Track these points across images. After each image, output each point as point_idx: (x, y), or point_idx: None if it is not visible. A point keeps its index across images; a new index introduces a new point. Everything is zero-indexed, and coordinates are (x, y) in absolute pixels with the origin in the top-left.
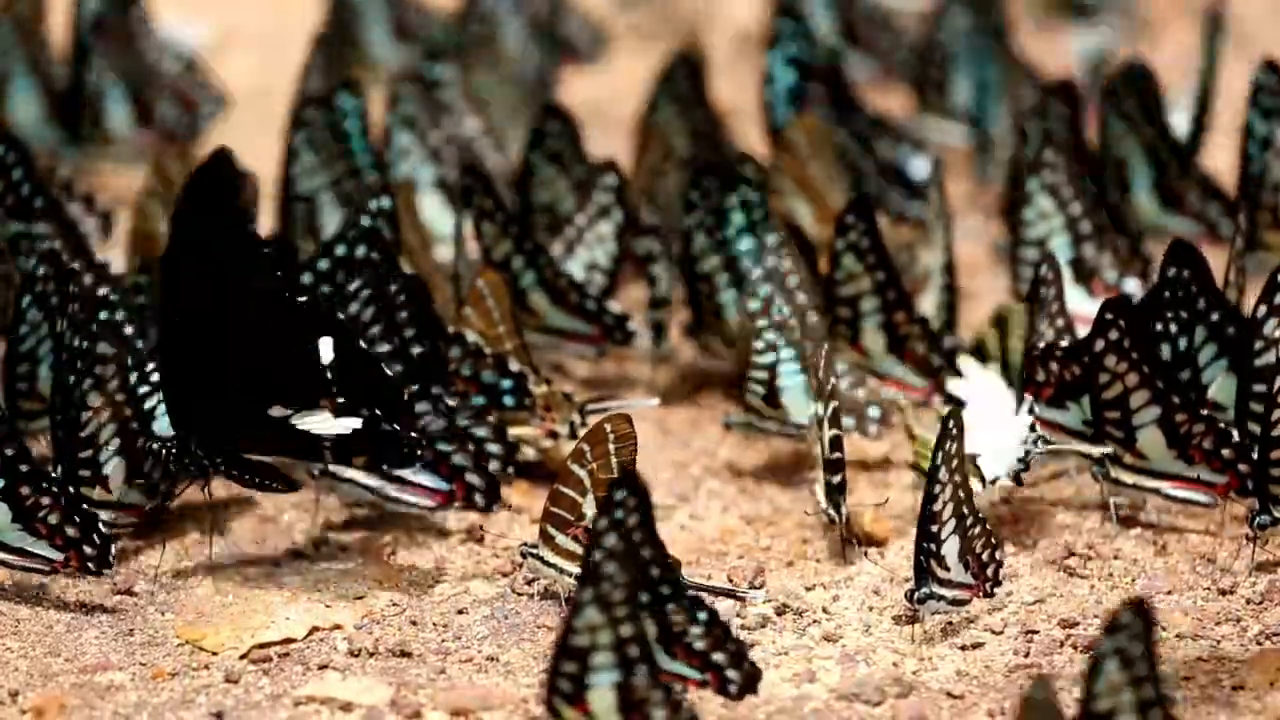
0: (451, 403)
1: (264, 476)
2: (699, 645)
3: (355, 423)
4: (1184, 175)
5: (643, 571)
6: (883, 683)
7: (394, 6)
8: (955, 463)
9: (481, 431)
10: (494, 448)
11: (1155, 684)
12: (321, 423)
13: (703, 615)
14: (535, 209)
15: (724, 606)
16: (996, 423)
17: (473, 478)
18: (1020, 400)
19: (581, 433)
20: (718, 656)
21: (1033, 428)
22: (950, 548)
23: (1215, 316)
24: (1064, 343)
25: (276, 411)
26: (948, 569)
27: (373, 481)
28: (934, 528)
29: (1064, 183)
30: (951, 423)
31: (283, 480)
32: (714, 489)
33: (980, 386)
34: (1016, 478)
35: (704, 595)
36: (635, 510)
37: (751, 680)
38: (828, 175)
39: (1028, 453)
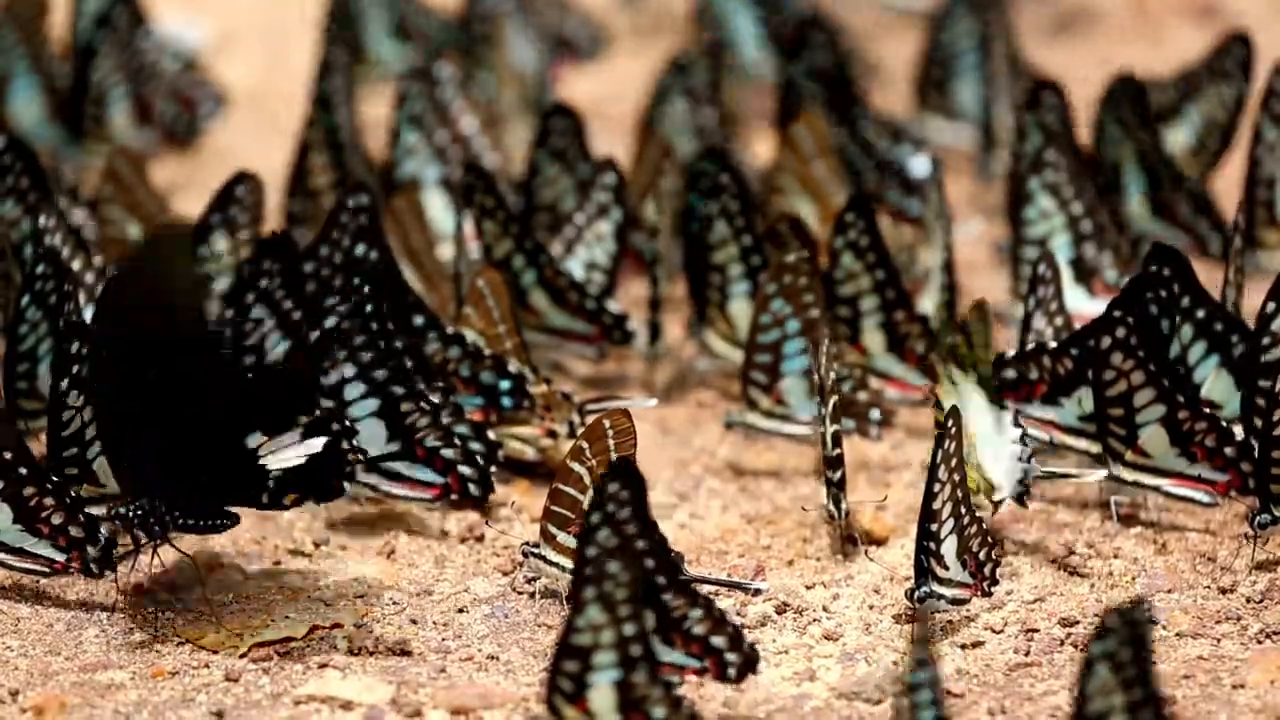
0: (435, 400)
1: (217, 518)
2: (697, 630)
3: (320, 442)
4: (1177, 187)
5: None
6: (883, 681)
7: (394, 6)
8: (954, 461)
9: (462, 430)
10: (475, 445)
11: (1147, 686)
12: (290, 446)
13: (698, 601)
14: (539, 207)
15: (724, 605)
16: (987, 434)
17: (465, 469)
18: (1000, 409)
19: (580, 432)
20: (716, 640)
21: (1023, 441)
22: (949, 547)
23: (1201, 314)
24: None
25: (254, 441)
26: (947, 568)
27: (371, 478)
28: (933, 526)
29: (1064, 182)
30: (950, 422)
31: (229, 516)
32: (714, 488)
33: (968, 396)
34: (1020, 499)
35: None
36: (629, 501)
37: (750, 662)
38: (831, 174)
39: (1026, 473)
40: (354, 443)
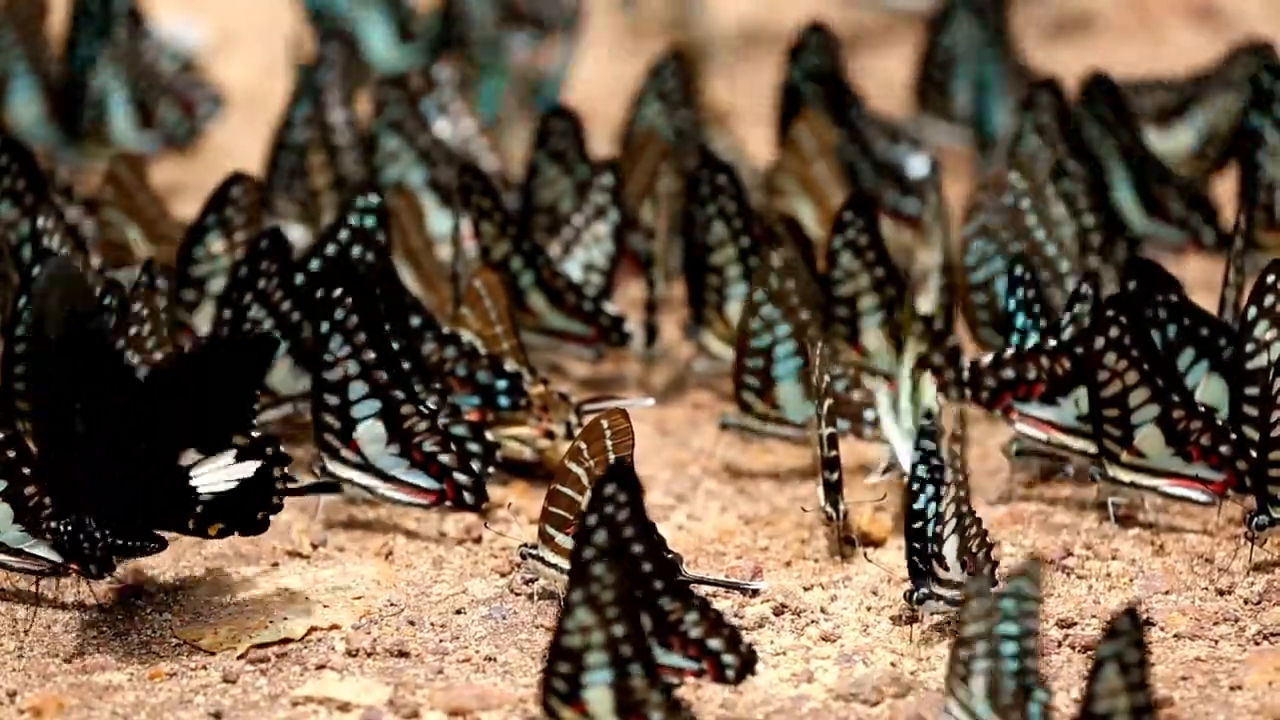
0: (432, 403)
1: (144, 540)
2: (694, 633)
3: (252, 467)
4: (1165, 183)
5: (635, 565)
6: (880, 683)
7: (395, 7)
8: (959, 463)
9: (459, 430)
10: (473, 446)
11: (1147, 689)
12: (223, 469)
13: (694, 604)
14: (537, 209)
15: (722, 607)
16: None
17: (459, 477)
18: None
19: (578, 433)
20: (713, 642)
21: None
22: (950, 547)
23: (1187, 320)
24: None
25: (188, 458)
26: (947, 569)
27: (368, 481)
28: (937, 528)
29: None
30: (956, 425)
31: (157, 540)
32: (712, 489)
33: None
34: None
35: (695, 587)
36: (626, 504)
37: (748, 663)
38: (832, 176)
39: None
40: (285, 471)
